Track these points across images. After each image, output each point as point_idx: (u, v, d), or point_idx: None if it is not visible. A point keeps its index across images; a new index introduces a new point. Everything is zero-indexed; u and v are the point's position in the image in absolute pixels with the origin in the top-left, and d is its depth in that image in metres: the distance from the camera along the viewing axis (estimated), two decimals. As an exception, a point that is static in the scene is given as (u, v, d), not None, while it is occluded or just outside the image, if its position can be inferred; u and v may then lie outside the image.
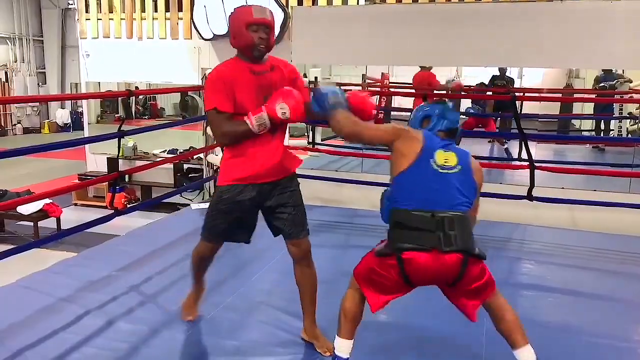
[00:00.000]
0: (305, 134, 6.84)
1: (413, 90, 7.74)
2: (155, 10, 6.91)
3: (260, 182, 2.32)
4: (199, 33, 6.34)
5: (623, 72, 7.91)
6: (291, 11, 5.58)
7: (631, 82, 7.98)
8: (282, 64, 2.39)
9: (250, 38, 2.25)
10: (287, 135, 6.21)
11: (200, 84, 5.31)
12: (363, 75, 8.13)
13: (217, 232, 2.44)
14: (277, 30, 5.84)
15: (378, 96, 9.24)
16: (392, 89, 9.33)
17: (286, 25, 5.61)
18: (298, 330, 2.59)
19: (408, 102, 6.67)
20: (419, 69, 7.83)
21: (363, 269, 2.09)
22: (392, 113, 8.04)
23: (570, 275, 3.59)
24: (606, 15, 4.53)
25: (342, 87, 2.42)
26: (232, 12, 2.33)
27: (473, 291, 2.00)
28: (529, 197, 3.99)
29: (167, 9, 6.84)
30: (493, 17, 4.81)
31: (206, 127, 5.14)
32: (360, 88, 7.24)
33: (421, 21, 5.00)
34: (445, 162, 2.00)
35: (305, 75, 6.79)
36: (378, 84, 9.24)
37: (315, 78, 6.81)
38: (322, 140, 6.94)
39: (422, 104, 2.32)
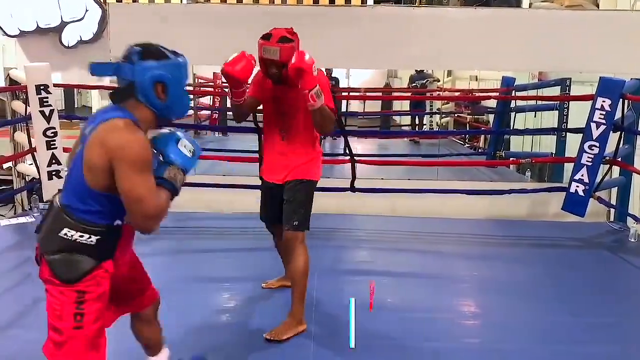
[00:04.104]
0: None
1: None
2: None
3: (268, 180, 2.81)
4: (2, 29, 5.67)
5: (433, 72, 8.79)
6: (108, 8, 5.26)
7: (439, 81, 8.91)
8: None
9: (265, 70, 2.68)
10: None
11: (4, 84, 4.74)
12: (194, 74, 7.97)
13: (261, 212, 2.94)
14: (95, 28, 5.51)
15: (211, 96, 9.17)
16: (225, 89, 9.25)
17: (104, 22, 5.26)
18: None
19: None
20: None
21: None
22: (229, 113, 7.96)
23: (392, 258, 3.92)
24: (408, 20, 4.92)
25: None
26: None
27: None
28: (352, 189, 4.26)
29: (-42, 0, 6.01)
30: (315, 20, 4.98)
31: (14, 133, 4.62)
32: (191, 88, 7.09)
33: (245, 22, 5.02)
34: (76, 144, 1.71)
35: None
36: (211, 83, 9.13)
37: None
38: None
39: None
